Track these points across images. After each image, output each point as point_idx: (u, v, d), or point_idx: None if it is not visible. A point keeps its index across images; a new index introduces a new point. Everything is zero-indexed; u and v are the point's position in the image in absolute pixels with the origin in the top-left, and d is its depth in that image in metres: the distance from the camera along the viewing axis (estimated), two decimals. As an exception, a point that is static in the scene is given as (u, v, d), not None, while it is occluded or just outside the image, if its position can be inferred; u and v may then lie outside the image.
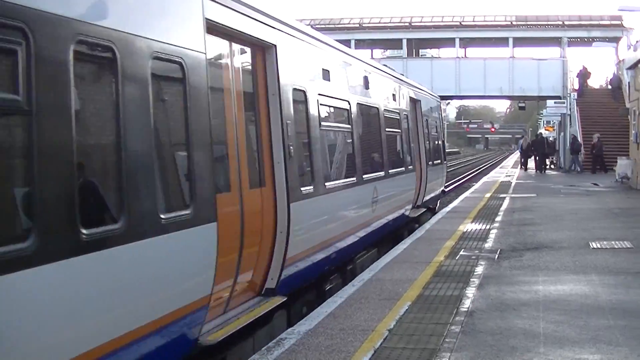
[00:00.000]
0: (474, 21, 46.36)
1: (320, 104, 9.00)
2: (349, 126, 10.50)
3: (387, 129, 13.09)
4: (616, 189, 24.93)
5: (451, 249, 11.73)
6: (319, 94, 8.92)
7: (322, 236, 8.87)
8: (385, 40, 48.31)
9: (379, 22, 46.95)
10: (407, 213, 15.01)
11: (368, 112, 12.09)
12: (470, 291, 8.50)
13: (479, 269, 9.92)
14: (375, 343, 6.45)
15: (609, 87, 42.10)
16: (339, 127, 10.44)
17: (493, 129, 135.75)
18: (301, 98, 8.32)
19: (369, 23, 46.91)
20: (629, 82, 29.83)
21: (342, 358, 6.05)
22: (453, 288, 8.68)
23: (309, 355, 6.13)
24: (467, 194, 25.16)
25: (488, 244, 12.28)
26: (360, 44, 44.08)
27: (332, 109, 10.04)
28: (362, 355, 6.13)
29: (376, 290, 8.69)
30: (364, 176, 10.98)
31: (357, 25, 46.50)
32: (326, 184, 8.95)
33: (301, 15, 63.22)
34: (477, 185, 30.03)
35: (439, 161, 20.39)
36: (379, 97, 12.81)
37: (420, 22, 46.39)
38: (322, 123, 9.05)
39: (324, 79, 9.31)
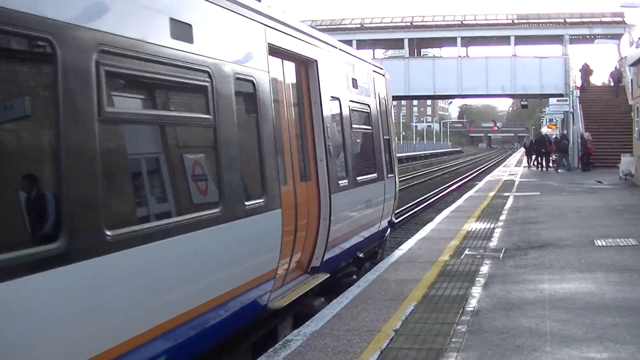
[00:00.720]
0: (475, 20, 46.48)
1: None
2: None
3: (170, 112, 5.53)
4: (620, 186, 24.88)
5: (456, 249, 11.71)
6: None
7: None
8: (386, 40, 48.44)
9: (381, 22, 47.08)
10: (265, 301, 6.98)
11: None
12: (476, 290, 8.49)
13: (484, 268, 9.91)
14: (381, 344, 6.44)
15: (610, 82, 42.07)
16: None
17: (495, 128, 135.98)
18: None
19: (370, 23, 47.04)
20: (631, 79, 29.80)
21: (349, 359, 6.05)
22: (458, 287, 8.67)
23: (315, 357, 6.12)
24: (470, 193, 25.14)
25: (493, 243, 12.26)
26: (361, 44, 44.15)
27: None
28: (369, 356, 6.12)
29: (381, 290, 8.68)
30: None
31: (359, 26, 46.63)
32: None
33: (303, 17, 63.19)
34: (480, 184, 30.00)
35: (375, 175, 11.18)
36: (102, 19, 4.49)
37: (422, 21, 46.52)
38: None
39: None
